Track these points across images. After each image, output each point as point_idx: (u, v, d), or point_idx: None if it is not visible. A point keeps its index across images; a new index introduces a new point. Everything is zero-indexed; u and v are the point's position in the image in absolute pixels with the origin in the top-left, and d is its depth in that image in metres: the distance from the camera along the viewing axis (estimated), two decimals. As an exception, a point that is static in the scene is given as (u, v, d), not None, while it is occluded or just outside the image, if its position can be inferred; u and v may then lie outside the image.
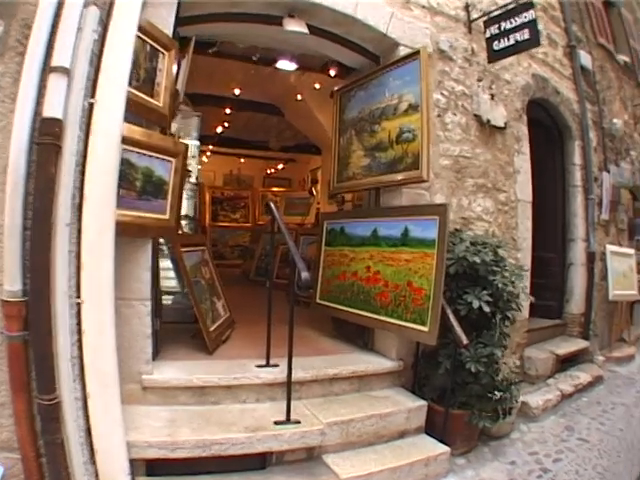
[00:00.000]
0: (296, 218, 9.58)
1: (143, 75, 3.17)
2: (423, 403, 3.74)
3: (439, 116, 4.57)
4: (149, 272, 3.19)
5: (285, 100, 8.51)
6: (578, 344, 6.28)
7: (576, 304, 6.54)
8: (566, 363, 5.83)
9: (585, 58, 7.00)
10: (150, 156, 3.15)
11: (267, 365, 3.55)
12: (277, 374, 3.41)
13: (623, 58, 8.83)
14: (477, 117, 4.89)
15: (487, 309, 3.68)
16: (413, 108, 4.00)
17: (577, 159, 6.69)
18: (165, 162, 3.28)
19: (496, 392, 3.75)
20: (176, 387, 3.25)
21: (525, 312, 4.97)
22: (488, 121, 4.94)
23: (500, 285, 3.82)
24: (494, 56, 4.82)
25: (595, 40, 7.76)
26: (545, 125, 6.49)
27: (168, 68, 3.40)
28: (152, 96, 3.25)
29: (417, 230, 3.85)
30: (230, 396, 3.36)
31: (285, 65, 5.98)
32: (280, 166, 13.48)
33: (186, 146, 3.49)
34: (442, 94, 4.67)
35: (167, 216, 3.31)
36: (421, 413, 3.71)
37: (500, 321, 3.93)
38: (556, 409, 4.88)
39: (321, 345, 4.42)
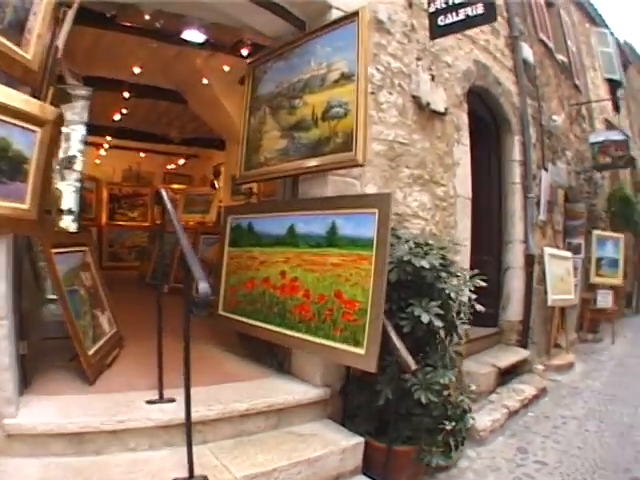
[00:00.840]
0: (196, 216, 9.16)
1: (10, 16, 2.39)
2: (359, 440, 3.09)
3: (373, 93, 4.03)
4: (4, 281, 2.40)
5: (189, 85, 7.79)
6: (518, 354, 5.96)
7: (514, 310, 6.23)
8: (506, 375, 5.47)
9: (527, 51, 6.81)
10: (6, 122, 2.33)
11: (161, 400, 2.81)
12: (173, 413, 2.67)
13: (561, 57, 8.89)
14: (415, 99, 4.41)
15: (439, 324, 3.10)
16: (346, 78, 3.38)
17: (517, 155, 6.40)
18: (27, 132, 2.46)
19: (447, 422, 3.20)
20: (47, 434, 2.47)
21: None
22: (428, 104, 4.46)
23: (452, 294, 3.26)
24: (438, 32, 4.39)
25: (536, 35, 7.70)
26: (482, 118, 6.13)
27: (46, 13, 2.61)
28: (19, 45, 2.45)
29: (348, 227, 3.19)
30: (116, 443, 2.59)
31: (193, 36, 5.30)
32: (181, 161, 12.82)
33: (59, 113, 2.68)
34: (377, 69, 4.13)
35: (27, 205, 2.48)
36: (358, 452, 3.07)
37: (448, 337, 3.39)
38: (504, 428, 4.47)
39: (228, 368, 3.69)
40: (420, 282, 3.22)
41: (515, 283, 6.22)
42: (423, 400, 3.00)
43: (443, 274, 3.28)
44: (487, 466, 3.71)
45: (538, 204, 6.68)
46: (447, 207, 4.65)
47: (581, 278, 8.87)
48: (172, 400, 2.78)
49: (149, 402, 2.78)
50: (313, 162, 3.51)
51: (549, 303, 6.74)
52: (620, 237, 9.77)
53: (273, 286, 3.58)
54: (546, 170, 7.00)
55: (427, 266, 3.12)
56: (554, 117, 7.45)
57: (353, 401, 3.36)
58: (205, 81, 7.15)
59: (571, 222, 8.81)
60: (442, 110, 4.64)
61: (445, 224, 4.58)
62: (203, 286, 2.26)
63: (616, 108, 12.91)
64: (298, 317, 3.34)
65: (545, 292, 6.73)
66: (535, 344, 6.47)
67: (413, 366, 2.85)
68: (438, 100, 4.63)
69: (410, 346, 2.98)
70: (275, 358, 3.72)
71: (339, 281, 3.13)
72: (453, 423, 3.21)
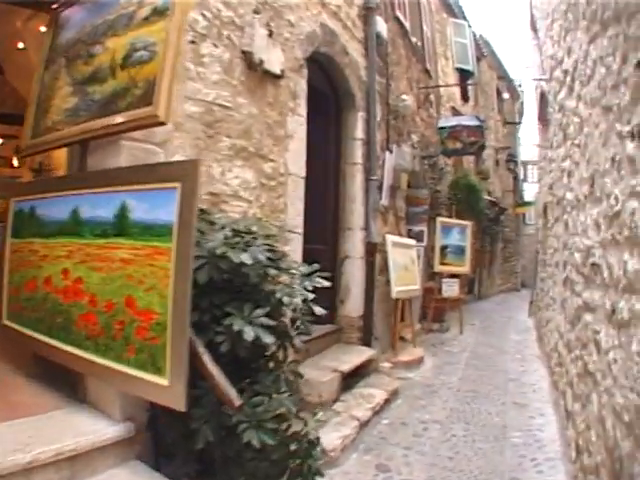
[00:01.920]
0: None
1: None
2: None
3: (193, 43, 3.39)
4: None
5: (7, 52, 6.54)
6: (362, 353, 5.58)
7: (354, 305, 5.92)
8: (351, 378, 5.05)
9: (382, 26, 6.62)
10: None
11: None
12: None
13: (415, 40, 8.95)
14: (246, 55, 3.85)
15: (269, 340, 2.45)
16: (159, 14, 2.64)
17: (359, 133, 6.10)
18: None
19: (290, 460, 2.61)
20: None
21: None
22: (261, 62, 3.92)
23: (285, 299, 2.64)
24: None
25: (392, 12, 7.61)
26: (322, 90, 5.70)
27: None
28: None
29: (142, 208, 2.43)
30: None
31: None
32: (-1, 142, 11.20)
33: None
34: (203, 15, 3.47)
35: None
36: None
37: (282, 352, 2.82)
38: (356, 443, 3.98)
39: (13, 396, 2.77)
40: (241, 283, 2.59)
41: (355, 274, 5.92)
42: (255, 444, 2.33)
43: (272, 271, 2.69)
44: (345, 494, 3.21)
45: (380, 188, 6.47)
46: (276, 187, 4.12)
47: (423, 267, 8.89)
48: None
49: None
50: (103, 122, 2.70)
51: (393, 295, 6.57)
52: (468, 224, 10.09)
53: (55, 288, 2.75)
54: (390, 152, 6.81)
55: (249, 262, 2.46)
56: (404, 97, 7.32)
57: (166, 436, 2.65)
58: (21, 45, 5.94)
59: (413, 209, 8.81)
60: (277, 72, 4.11)
61: (273, 207, 4.06)
62: None
63: (465, 98, 13.36)
64: (85, 331, 2.56)
65: (387, 283, 6.56)
66: (379, 340, 6.25)
67: (237, 401, 2.23)
68: (274, 60, 4.08)
69: (232, 369, 2.37)
70: (68, 382, 2.89)
71: (130, 284, 2.39)
72: (299, 460, 2.65)
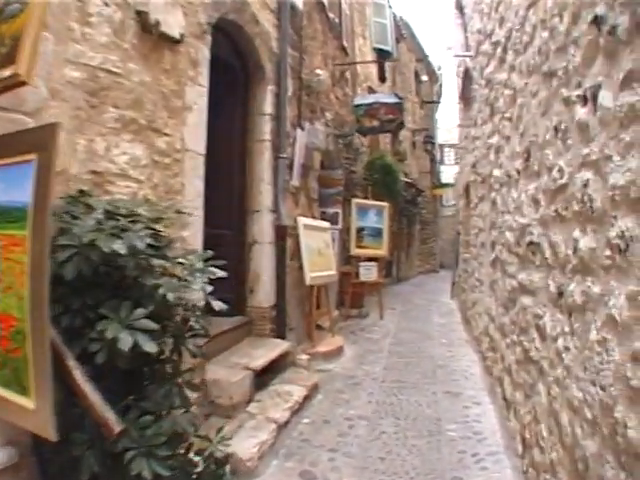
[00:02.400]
0: None
1: None
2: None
3: (80, 1, 2.96)
4: None
5: None
6: (276, 347, 5.26)
7: (265, 294, 5.61)
8: (265, 374, 4.76)
9: None
10: None
11: None
12: None
13: (333, 16, 8.79)
14: (141, 16, 3.44)
15: (150, 347, 2.07)
16: None
17: (268, 107, 5.78)
18: None
19: None
20: None
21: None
22: (157, 24, 3.55)
23: (169, 295, 2.24)
24: None
25: None
26: (227, 61, 5.32)
27: None
28: None
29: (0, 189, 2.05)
30: None
31: None
32: None
33: None
34: (89, -31, 3.06)
35: None
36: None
37: (177, 360, 2.48)
38: (275, 448, 3.67)
39: None
40: (120, 277, 2.23)
41: (264, 260, 5.61)
42: (146, 475, 1.98)
43: (156, 261, 2.33)
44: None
45: (291, 167, 6.20)
46: (171, 164, 3.74)
47: (339, 250, 8.74)
48: None
49: None
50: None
51: (307, 281, 6.36)
52: (385, 206, 9.97)
53: None
54: (302, 129, 6.56)
55: (123, 251, 2.08)
56: (318, 71, 7.10)
57: (54, 461, 2.25)
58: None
59: (327, 190, 8.59)
60: (176, 36, 3.74)
61: (168, 188, 3.69)
62: None
63: (382, 78, 13.34)
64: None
65: (301, 268, 6.36)
66: (294, 330, 6.03)
67: (117, 427, 1.92)
68: (173, 23, 3.72)
69: (113, 384, 2.04)
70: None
71: (-11, 284, 2.01)
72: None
